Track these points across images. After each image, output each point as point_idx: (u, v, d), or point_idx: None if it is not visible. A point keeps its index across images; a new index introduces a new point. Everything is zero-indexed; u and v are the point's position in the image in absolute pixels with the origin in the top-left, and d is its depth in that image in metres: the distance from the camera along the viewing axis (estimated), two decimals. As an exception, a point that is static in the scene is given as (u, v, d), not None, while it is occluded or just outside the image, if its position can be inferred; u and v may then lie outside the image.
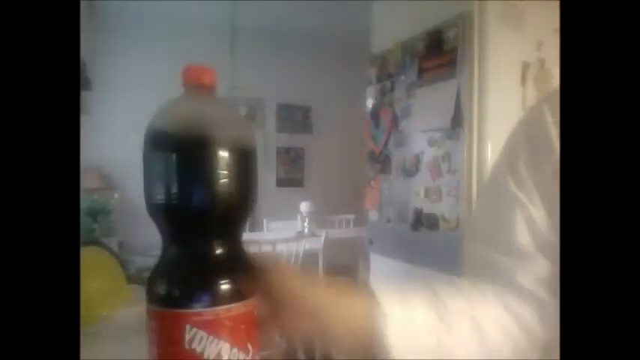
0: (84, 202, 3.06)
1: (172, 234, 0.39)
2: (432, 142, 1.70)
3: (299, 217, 3.07)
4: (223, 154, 0.37)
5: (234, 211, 0.39)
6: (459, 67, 1.57)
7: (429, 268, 1.66)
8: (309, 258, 2.57)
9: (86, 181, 3.13)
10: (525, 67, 1.55)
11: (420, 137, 1.76)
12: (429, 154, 1.71)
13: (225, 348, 0.36)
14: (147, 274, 0.41)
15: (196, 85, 0.39)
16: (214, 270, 0.38)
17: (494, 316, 0.44)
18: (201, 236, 0.38)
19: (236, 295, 0.37)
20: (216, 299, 0.36)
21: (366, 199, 2.08)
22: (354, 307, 0.41)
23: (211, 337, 0.36)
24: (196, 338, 0.35)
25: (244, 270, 0.39)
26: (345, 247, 2.77)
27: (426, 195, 1.72)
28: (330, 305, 0.40)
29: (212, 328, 0.36)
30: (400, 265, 1.85)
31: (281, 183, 4.26)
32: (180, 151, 0.36)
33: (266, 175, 4.18)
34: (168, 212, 0.38)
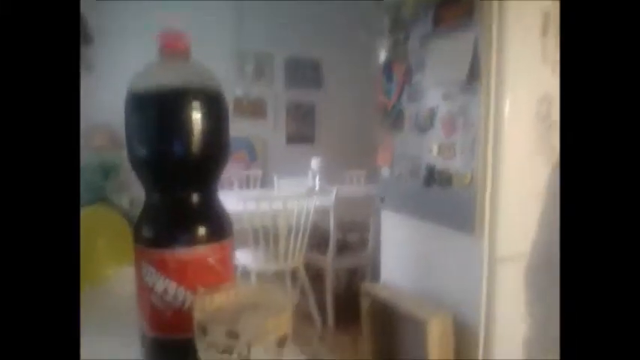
0: (94, 161, 3.06)
1: (146, 183, 0.43)
2: (446, 97, 1.64)
3: (310, 173, 3.06)
4: (194, 110, 0.40)
5: (205, 162, 0.42)
6: (477, 17, 1.48)
7: (440, 225, 1.65)
8: (320, 215, 2.58)
9: (95, 140, 3.12)
10: (546, 17, 1.46)
11: (434, 91, 1.69)
12: (444, 108, 1.65)
13: (171, 286, 0.41)
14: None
15: (170, 49, 0.42)
16: (173, 215, 0.42)
17: None
18: (171, 185, 0.42)
19: (185, 241, 0.41)
20: (164, 242, 0.41)
21: (378, 156, 2.05)
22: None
23: (158, 274, 0.41)
24: (148, 273, 0.41)
25: (200, 219, 0.42)
26: (356, 204, 2.76)
27: (440, 151, 1.68)
28: None
29: (159, 266, 0.41)
30: (411, 222, 1.84)
31: (291, 139, 4.22)
32: (155, 109, 0.40)
33: (276, 132, 4.13)
34: (144, 165, 0.42)
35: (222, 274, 0.43)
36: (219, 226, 0.44)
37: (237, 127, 4.04)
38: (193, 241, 0.41)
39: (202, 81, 0.42)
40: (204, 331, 0.37)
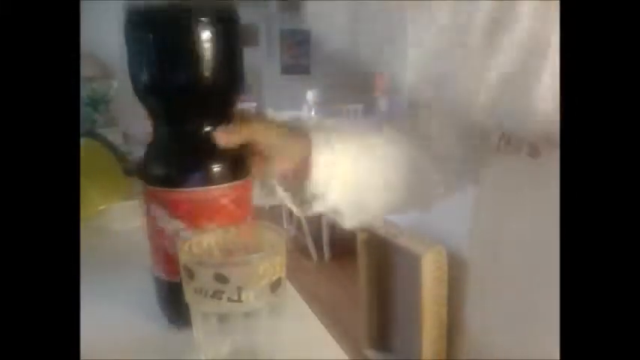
0: (83, 92, 2.97)
1: (154, 115, 0.40)
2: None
3: (305, 107, 2.98)
4: (205, 29, 0.36)
5: (216, 92, 0.38)
6: None
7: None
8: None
9: (82, 69, 3.00)
10: None
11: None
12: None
13: (182, 228, 0.38)
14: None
15: None
16: (184, 152, 0.39)
17: (414, 161, 0.52)
18: (180, 120, 0.39)
19: (198, 180, 0.38)
20: (175, 181, 0.38)
21: (376, 86, 1.97)
22: (294, 148, 0.46)
23: (169, 216, 0.38)
24: (158, 214, 0.39)
25: (214, 156, 0.39)
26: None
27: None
28: (276, 147, 0.44)
29: (170, 207, 0.38)
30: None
31: (286, 70, 4.07)
32: (162, 29, 0.36)
33: (269, 62, 3.98)
34: (150, 94, 0.38)
35: (238, 215, 0.40)
36: (236, 165, 0.40)
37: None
38: (207, 180, 0.38)
39: None
40: (190, 275, 0.34)
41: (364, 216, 0.53)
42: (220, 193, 0.39)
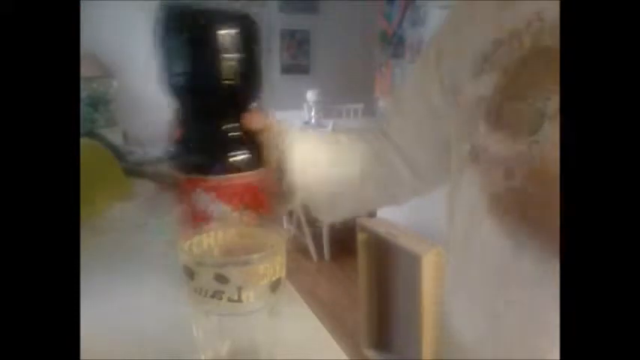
0: (83, 92, 2.97)
1: (189, 111, 0.43)
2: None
3: (305, 106, 2.97)
4: (235, 30, 0.39)
5: (246, 88, 0.44)
6: None
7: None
8: (316, 148, 2.53)
9: (82, 69, 2.99)
10: None
11: (439, 14, 1.58)
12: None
13: (225, 209, 0.42)
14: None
15: None
16: (214, 144, 0.43)
17: (382, 156, 0.55)
18: (215, 114, 0.43)
19: (232, 168, 0.42)
20: (216, 169, 0.42)
21: (376, 85, 1.97)
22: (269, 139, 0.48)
23: (211, 199, 0.42)
24: (201, 199, 0.42)
25: (247, 146, 0.43)
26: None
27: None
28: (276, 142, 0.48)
29: (215, 191, 0.42)
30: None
31: (285, 70, 4.06)
32: (199, 30, 0.39)
33: (269, 61, 3.97)
34: (187, 91, 0.41)
35: (262, 199, 0.45)
36: (259, 154, 0.45)
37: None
38: (239, 167, 0.43)
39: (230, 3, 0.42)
40: (191, 275, 0.34)
41: (339, 211, 0.56)
42: (251, 178, 0.43)
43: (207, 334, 0.36)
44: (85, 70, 3.15)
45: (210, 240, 0.38)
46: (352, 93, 3.70)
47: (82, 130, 0.97)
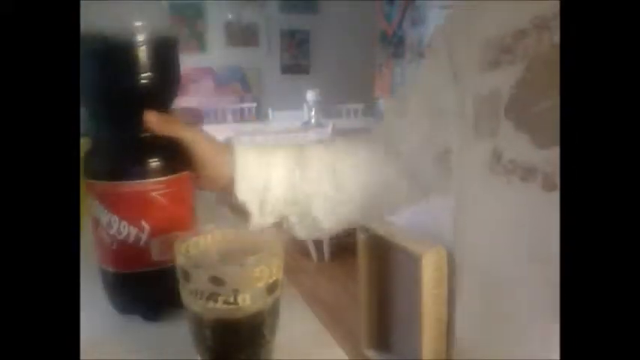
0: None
1: (94, 119, 0.44)
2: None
3: (305, 106, 2.97)
4: (143, 50, 0.40)
5: (150, 98, 0.42)
6: None
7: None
8: (316, 148, 2.53)
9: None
10: None
11: (439, 14, 1.59)
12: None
13: (114, 219, 0.40)
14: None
15: None
16: (116, 149, 0.42)
17: (350, 166, 0.53)
18: (116, 122, 0.43)
19: (127, 175, 0.40)
20: (110, 174, 0.41)
21: (376, 85, 1.97)
22: (218, 155, 0.47)
23: (102, 207, 0.41)
24: (93, 206, 0.41)
25: (144, 153, 0.42)
26: (353, 138, 2.70)
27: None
28: (203, 152, 0.46)
29: (102, 199, 0.41)
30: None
31: (286, 70, 4.06)
32: (102, 49, 0.39)
33: (269, 62, 3.97)
34: (97, 101, 0.42)
35: (174, 210, 0.42)
36: (166, 161, 0.42)
37: (229, 55, 3.88)
38: (136, 174, 0.41)
39: (150, 18, 0.41)
40: (187, 277, 0.34)
41: (315, 229, 0.53)
42: (148, 187, 0.41)
43: (204, 336, 0.35)
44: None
45: (207, 242, 0.38)
46: (352, 93, 3.70)
47: (81, 130, 0.98)
